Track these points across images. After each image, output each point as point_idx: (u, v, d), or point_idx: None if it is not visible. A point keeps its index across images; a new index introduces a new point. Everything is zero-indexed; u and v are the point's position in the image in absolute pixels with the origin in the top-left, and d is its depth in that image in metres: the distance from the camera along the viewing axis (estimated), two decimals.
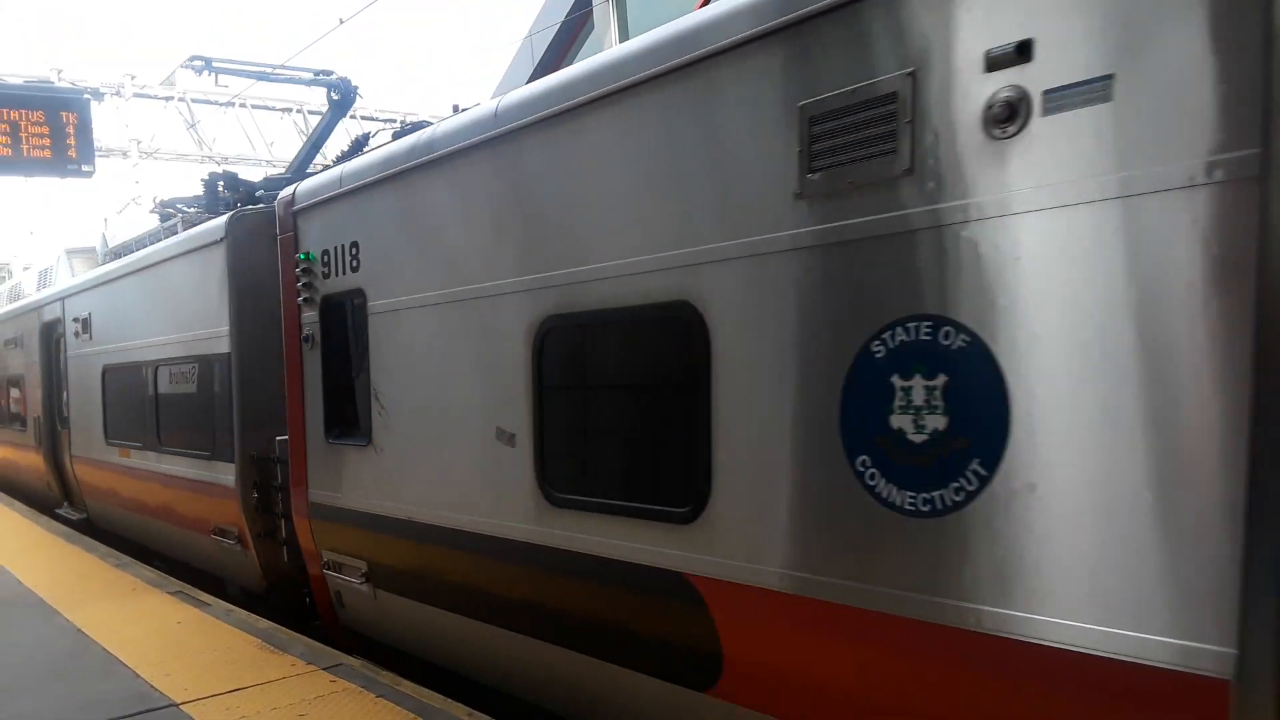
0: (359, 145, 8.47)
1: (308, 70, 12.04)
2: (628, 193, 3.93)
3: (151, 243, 9.78)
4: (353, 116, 20.79)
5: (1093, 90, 2.47)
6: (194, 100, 19.23)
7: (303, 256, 6.21)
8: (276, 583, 7.55)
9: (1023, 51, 2.60)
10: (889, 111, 2.94)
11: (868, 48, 3.02)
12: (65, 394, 12.14)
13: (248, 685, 5.21)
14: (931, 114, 2.84)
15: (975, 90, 2.73)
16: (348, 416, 6.02)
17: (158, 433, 9.06)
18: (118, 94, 18.85)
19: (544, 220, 4.37)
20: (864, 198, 3.04)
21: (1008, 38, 2.64)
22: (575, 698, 4.61)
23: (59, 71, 18.27)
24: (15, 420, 14.80)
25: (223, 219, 7.58)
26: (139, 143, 20.14)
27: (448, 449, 5.09)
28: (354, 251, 5.73)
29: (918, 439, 2.95)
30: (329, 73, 11.43)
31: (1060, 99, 2.54)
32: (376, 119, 21.01)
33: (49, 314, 12.73)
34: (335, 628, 6.74)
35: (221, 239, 7.46)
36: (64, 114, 15.76)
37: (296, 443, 6.56)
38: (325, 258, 6.05)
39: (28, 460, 14.48)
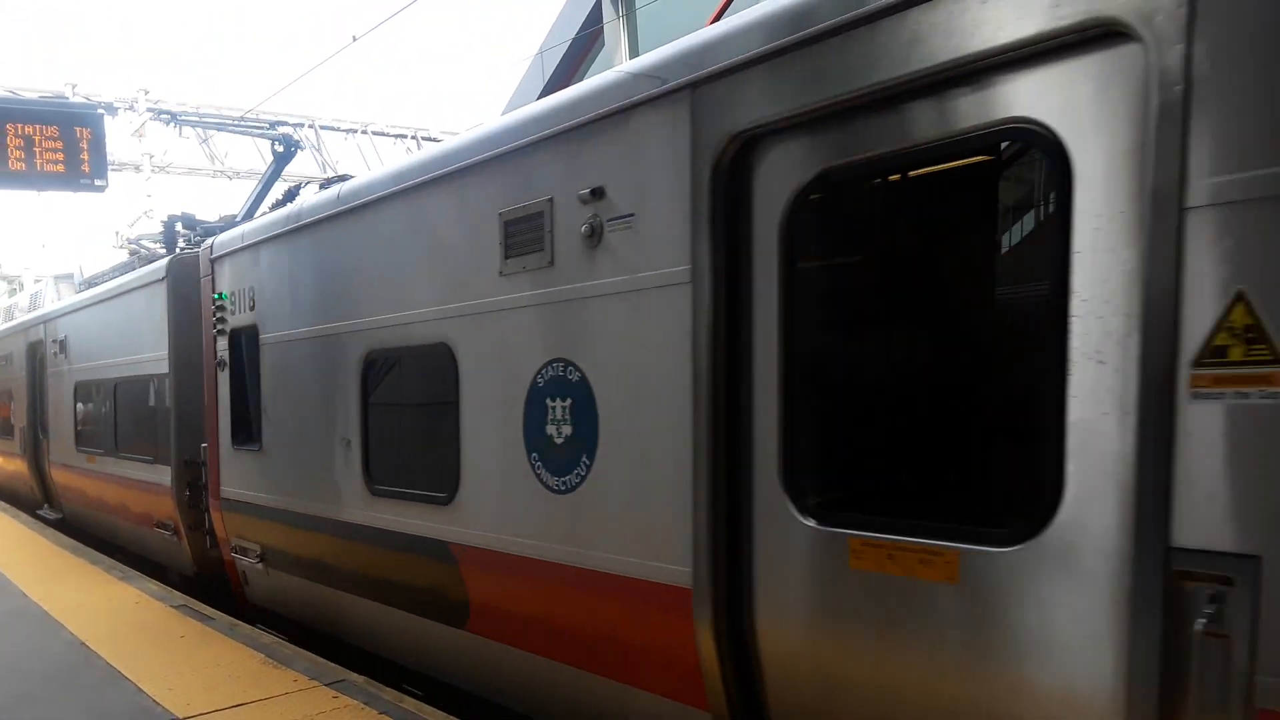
0: (291, 196, 9.96)
1: (263, 122, 13.61)
2: (415, 264, 5.39)
3: (116, 276, 11.28)
4: (364, 132, 21.74)
5: (626, 221, 3.92)
6: (206, 117, 18.26)
7: (217, 296, 7.67)
8: (205, 568, 8.98)
9: (596, 194, 4.05)
10: (540, 223, 4.39)
11: (530, 179, 4.47)
12: (46, 406, 13.64)
13: (250, 701, 5.25)
14: (559, 227, 4.29)
15: (578, 215, 4.17)
16: (247, 426, 7.47)
17: (115, 441, 10.53)
18: (131, 109, 18.69)
19: (367, 278, 5.82)
20: (531, 278, 4.49)
21: (592, 184, 4.09)
22: (389, 641, 6.02)
23: (73, 86, 18.23)
24: (7, 430, 16.30)
25: (164, 260, 9.06)
26: (151, 157, 20.07)
27: (310, 452, 6.52)
28: (251, 294, 7.19)
29: (559, 441, 4.37)
30: (282, 123, 12.98)
31: (614, 225, 3.99)
32: (387, 134, 21.61)
33: (34, 335, 14.24)
34: (244, 603, 8.15)
35: (163, 278, 8.94)
36: (78, 129, 15.67)
37: (213, 448, 8.00)
38: (233, 297, 7.50)
39: (14, 466, 15.97)
